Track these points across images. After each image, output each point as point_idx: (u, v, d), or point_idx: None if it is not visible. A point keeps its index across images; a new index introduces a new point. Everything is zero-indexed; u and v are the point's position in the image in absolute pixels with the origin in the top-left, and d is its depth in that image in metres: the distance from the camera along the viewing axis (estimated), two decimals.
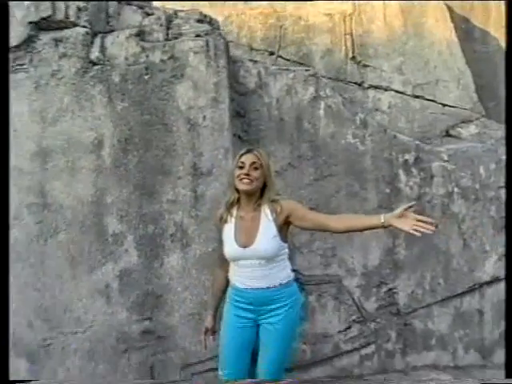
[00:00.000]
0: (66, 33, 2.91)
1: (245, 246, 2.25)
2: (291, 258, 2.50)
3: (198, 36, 3.02)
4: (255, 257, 2.24)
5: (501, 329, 3.75)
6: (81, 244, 2.90)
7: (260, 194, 2.30)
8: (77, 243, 2.90)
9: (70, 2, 2.89)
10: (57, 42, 2.89)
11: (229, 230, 2.30)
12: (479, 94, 4.74)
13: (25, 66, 2.89)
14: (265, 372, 2.31)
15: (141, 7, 3.12)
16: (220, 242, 2.38)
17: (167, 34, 3.04)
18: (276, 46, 4.73)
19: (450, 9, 4.96)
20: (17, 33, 2.88)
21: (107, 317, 2.94)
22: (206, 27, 3.10)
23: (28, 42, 2.89)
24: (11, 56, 2.86)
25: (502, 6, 5.11)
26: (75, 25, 2.91)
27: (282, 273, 2.32)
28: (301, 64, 4.65)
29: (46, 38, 2.89)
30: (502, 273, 3.75)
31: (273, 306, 2.28)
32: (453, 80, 4.77)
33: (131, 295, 2.94)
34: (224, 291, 2.44)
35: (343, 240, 3.43)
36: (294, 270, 2.45)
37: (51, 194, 2.90)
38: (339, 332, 3.39)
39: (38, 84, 2.91)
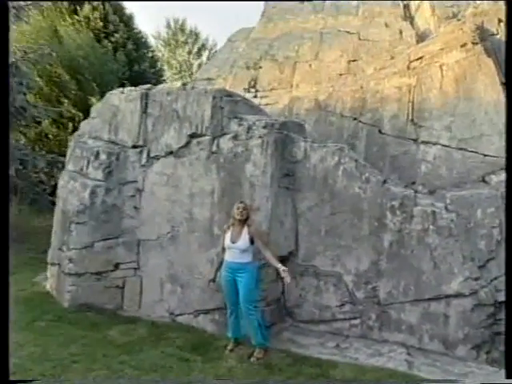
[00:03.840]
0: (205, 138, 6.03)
1: (233, 242, 4.97)
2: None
3: (259, 137, 5.73)
4: (237, 248, 4.94)
5: (465, 331, 5.19)
6: None
7: (244, 221, 4.97)
8: None
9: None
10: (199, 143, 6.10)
11: (228, 234, 5.05)
12: None
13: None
14: (241, 300, 4.93)
15: (240, 119, 5.98)
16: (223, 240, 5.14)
17: (248, 135, 5.84)
18: (358, 114, 6.83)
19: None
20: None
21: None
22: (266, 131, 5.75)
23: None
24: None
25: None
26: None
27: (247, 258, 4.93)
28: (373, 126, 6.66)
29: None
30: (467, 290, 5.17)
31: (240, 271, 4.92)
32: (496, 134, 5.90)
33: None
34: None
35: (345, 252, 5.62)
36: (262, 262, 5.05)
37: None
38: (336, 306, 5.63)
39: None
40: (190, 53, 25.25)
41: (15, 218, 11.04)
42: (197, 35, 25.65)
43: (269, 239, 5.22)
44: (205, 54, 25.37)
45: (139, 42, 16.55)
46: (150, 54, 17.65)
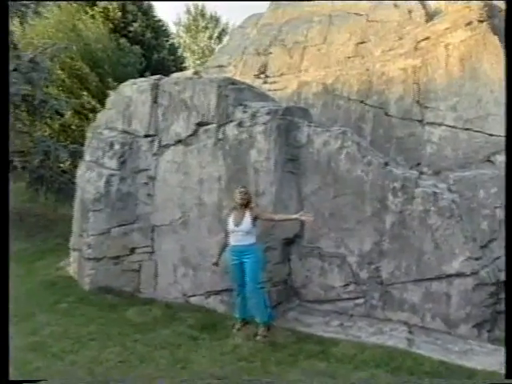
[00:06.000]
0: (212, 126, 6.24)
1: (237, 226, 5.18)
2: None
3: (263, 124, 5.88)
4: (240, 230, 5.15)
5: (467, 310, 5.28)
6: None
7: (245, 205, 5.17)
8: None
9: None
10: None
11: (231, 219, 5.25)
12: None
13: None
14: (248, 280, 5.16)
15: (244, 106, 6.13)
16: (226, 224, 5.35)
17: (252, 122, 5.99)
18: (364, 97, 6.87)
19: None
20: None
21: None
22: (269, 118, 5.89)
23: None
24: None
25: None
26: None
27: (251, 239, 5.14)
28: (379, 109, 6.71)
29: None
30: (468, 270, 5.25)
31: (246, 253, 5.14)
32: (502, 113, 5.84)
33: None
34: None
35: (348, 233, 5.75)
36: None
37: None
38: (340, 286, 5.79)
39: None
40: (210, 38, 25.35)
41: (42, 207, 11.60)
42: (217, 20, 25.71)
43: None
44: (225, 39, 25.39)
45: (159, 30, 16.76)
46: (169, 42, 17.83)
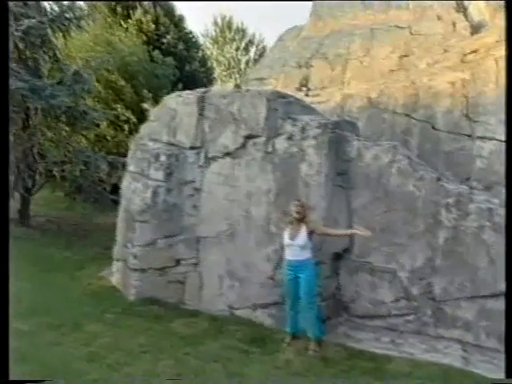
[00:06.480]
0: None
1: (292, 240, 5.18)
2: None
3: (314, 137, 5.89)
4: (296, 245, 5.15)
5: None
6: None
7: (301, 219, 5.17)
8: None
9: None
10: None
11: (286, 232, 5.25)
12: None
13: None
14: (302, 295, 5.14)
15: (294, 120, 6.16)
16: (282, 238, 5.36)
17: (302, 136, 6.00)
18: (410, 110, 6.84)
19: None
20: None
21: None
22: (319, 131, 5.90)
23: None
24: None
25: None
26: None
27: (306, 254, 5.13)
28: (426, 122, 6.66)
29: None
30: None
31: (301, 268, 5.13)
32: None
33: None
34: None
35: (400, 248, 5.70)
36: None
37: None
38: (391, 302, 5.73)
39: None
40: (237, 49, 25.58)
41: (80, 216, 11.79)
42: (243, 31, 25.93)
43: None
44: (252, 50, 25.67)
45: (189, 42, 16.99)
46: (200, 54, 18.06)
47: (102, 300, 6.94)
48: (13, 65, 8.68)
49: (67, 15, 9.69)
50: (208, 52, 24.62)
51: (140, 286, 6.72)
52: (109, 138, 13.23)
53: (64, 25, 9.59)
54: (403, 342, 5.50)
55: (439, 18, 7.86)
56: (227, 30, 25.97)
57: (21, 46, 8.76)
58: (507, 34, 5.42)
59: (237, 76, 24.89)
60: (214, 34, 26.16)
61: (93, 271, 8.53)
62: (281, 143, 6.04)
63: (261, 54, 25.85)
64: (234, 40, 25.74)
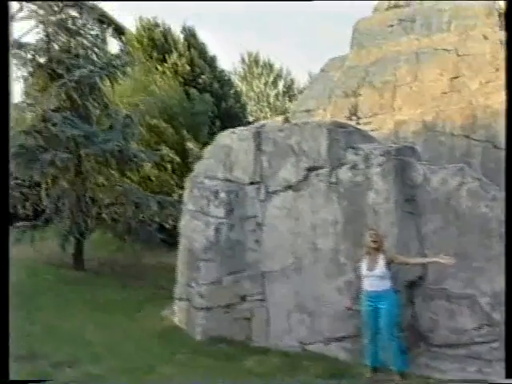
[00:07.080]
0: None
1: (370, 270, 5.09)
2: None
3: (379, 165, 5.86)
4: (374, 275, 5.05)
5: None
6: None
7: (377, 248, 5.09)
8: None
9: None
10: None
11: (364, 263, 5.17)
12: None
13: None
14: (384, 327, 5.02)
15: (356, 149, 6.15)
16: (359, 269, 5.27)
17: (366, 164, 5.97)
18: (469, 131, 6.76)
19: None
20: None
21: None
22: (384, 159, 5.86)
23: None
24: None
25: None
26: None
27: (386, 284, 5.03)
28: (487, 142, 6.56)
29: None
30: None
31: (381, 299, 5.01)
32: None
33: None
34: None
35: (477, 273, 5.52)
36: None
37: None
38: (473, 329, 5.51)
39: None
40: (266, 84, 26.01)
41: (131, 257, 11.90)
42: (271, 66, 26.41)
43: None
44: (280, 84, 26.02)
45: (223, 81, 17.37)
46: (232, 91, 18.43)
47: (169, 341, 6.90)
48: (67, 113, 9.03)
49: (114, 63, 10.08)
50: (238, 89, 25.14)
51: (206, 325, 6.67)
52: (153, 178, 13.46)
53: (111, 72, 9.97)
54: (491, 370, 5.25)
55: (485, 37, 7.84)
56: (254, 66, 26.51)
57: (75, 95, 9.12)
58: (507, 34, 5.34)
59: (267, 110, 25.24)
60: (241, 70, 26.75)
61: (152, 311, 8.53)
62: (344, 173, 6.02)
63: (289, 86, 26.36)
64: (261, 75, 26.22)
